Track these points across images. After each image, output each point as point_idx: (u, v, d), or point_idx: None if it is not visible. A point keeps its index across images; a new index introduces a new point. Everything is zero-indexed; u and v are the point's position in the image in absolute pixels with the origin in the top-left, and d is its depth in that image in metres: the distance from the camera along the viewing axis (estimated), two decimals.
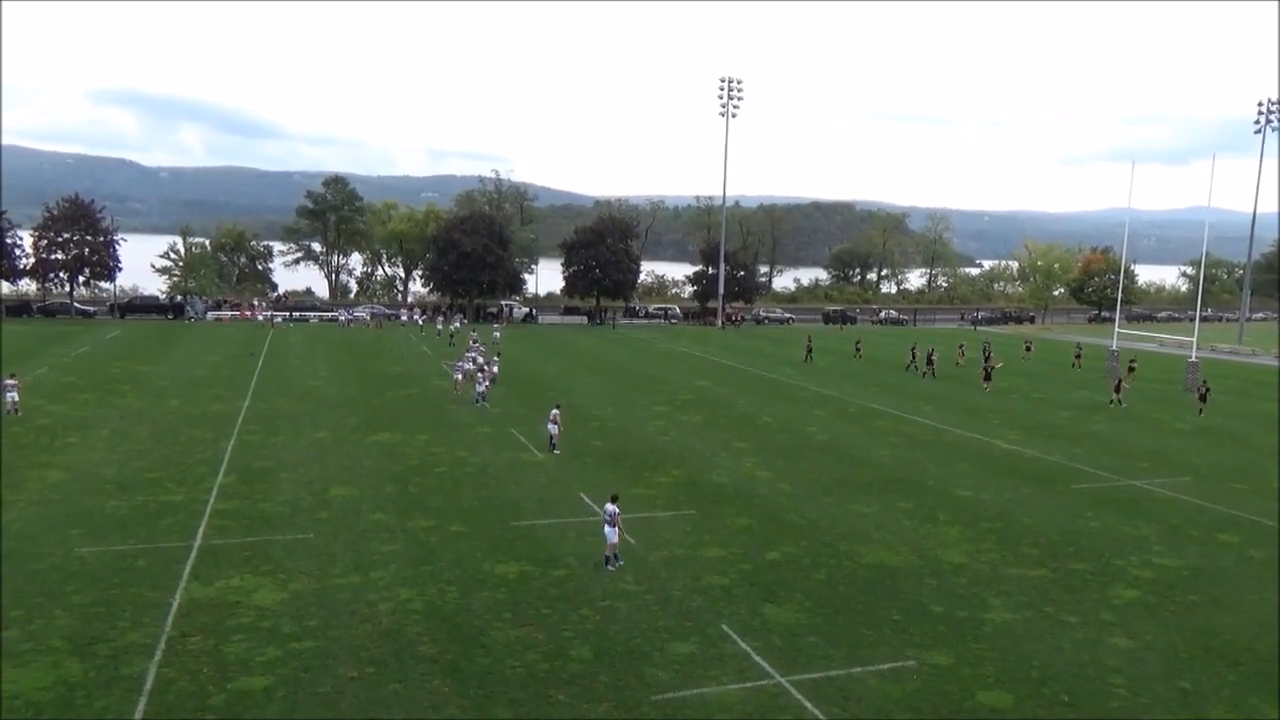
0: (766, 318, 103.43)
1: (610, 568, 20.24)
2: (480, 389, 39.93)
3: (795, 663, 16.13)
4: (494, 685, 15.02)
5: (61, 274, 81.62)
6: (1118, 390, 47.76)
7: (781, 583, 19.97)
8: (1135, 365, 55.18)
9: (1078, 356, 66.74)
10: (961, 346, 66.80)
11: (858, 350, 66.09)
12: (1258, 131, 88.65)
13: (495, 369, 41.05)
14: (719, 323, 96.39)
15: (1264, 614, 19.20)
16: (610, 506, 20.49)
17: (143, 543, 21.27)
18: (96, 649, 15.82)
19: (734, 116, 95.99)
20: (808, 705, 14.69)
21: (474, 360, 46.39)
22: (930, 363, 56.37)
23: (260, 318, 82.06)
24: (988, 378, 50.15)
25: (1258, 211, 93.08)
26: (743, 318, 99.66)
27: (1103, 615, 18.75)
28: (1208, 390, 46.91)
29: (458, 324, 76.34)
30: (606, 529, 20.35)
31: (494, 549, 21.53)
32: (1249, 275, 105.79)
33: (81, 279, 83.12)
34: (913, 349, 61.80)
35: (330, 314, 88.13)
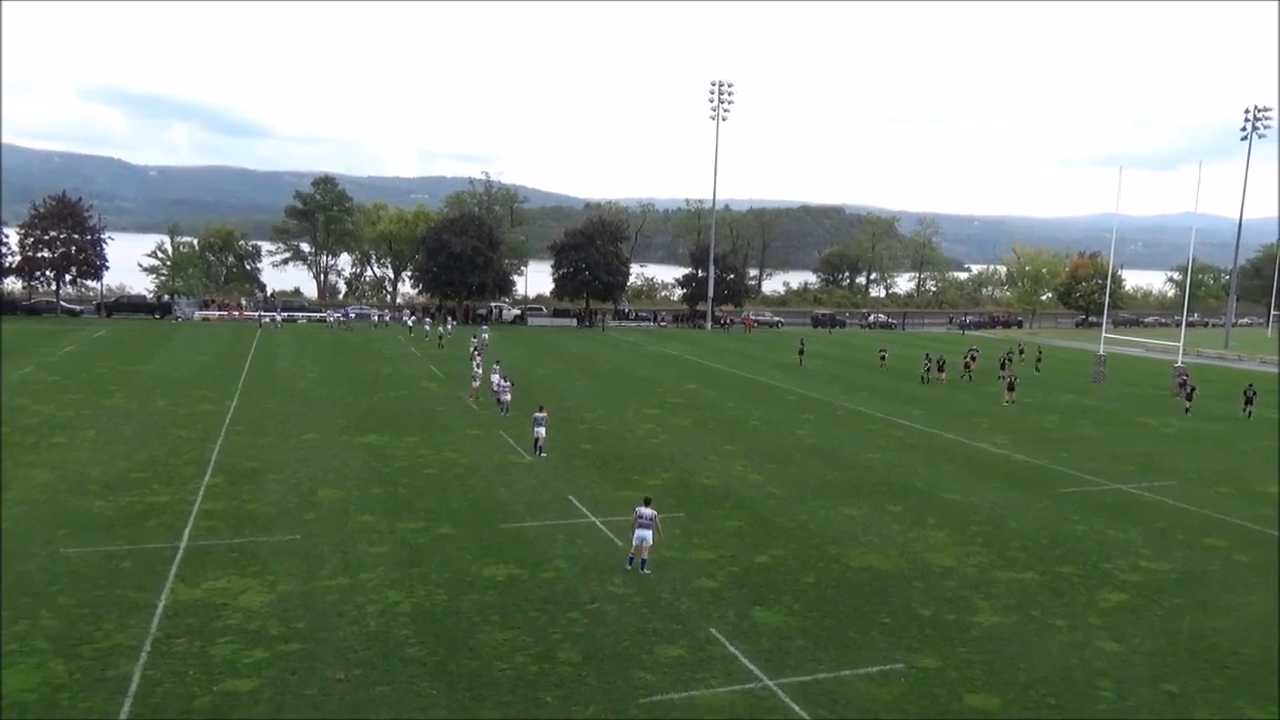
0: (756, 320, 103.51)
1: (647, 570, 20.19)
2: (506, 398, 38.72)
3: (784, 665, 16.14)
4: (482, 688, 14.98)
5: (48, 272, 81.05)
6: (1189, 399, 48.29)
7: (770, 585, 19.98)
8: (1186, 378, 53.19)
9: (1039, 359, 66.90)
10: (973, 353, 64.44)
11: (882, 359, 63.78)
12: (1244, 138, 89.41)
13: (507, 382, 39.91)
14: (708, 325, 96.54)
15: (1250, 617, 19.32)
16: (646, 510, 20.32)
17: (129, 544, 21.13)
18: (82, 650, 15.71)
19: (724, 120, 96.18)
20: (795, 708, 14.69)
21: (478, 364, 45.69)
22: (941, 369, 56.05)
23: (265, 319, 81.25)
24: (1011, 388, 48.77)
25: (1244, 217, 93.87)
26: (732, 320, 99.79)
27: (1090, 619, 18.83)
28: (1255, 393, 48.03)
29: (449, 326, 76.12)
30: (639, 531, 20.18)
31: (483, 551, 21.48)
32: (1235, 281, 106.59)
33: (68, 278, 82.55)
34: (969, 355, 60.80)
35: (319, 314, 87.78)
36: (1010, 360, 63.80)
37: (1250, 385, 49.73)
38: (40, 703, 14.01)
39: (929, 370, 55.94)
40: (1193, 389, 49.16)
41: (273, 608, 17.76)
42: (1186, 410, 47.39)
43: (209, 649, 15.93)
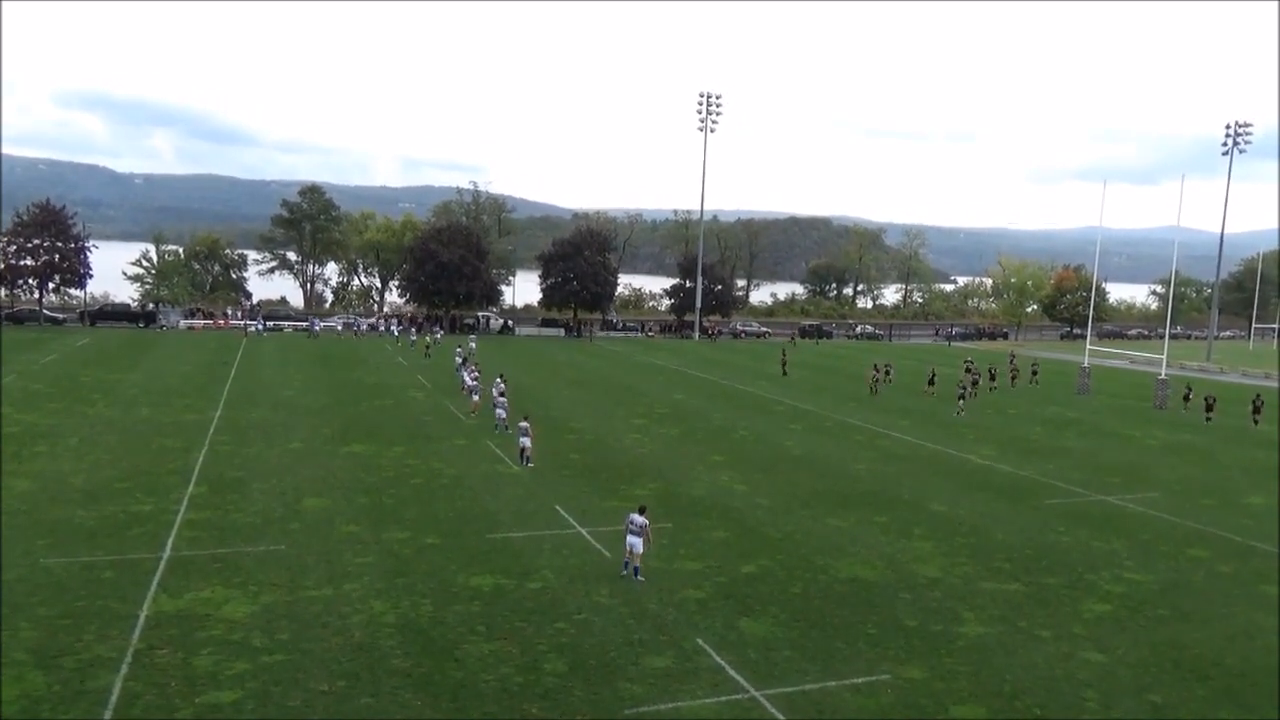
0: (743, 331, 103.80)
1: (640, 578, 20.32)
2: (503, 414, 37.56)
3: (770, 676, 16.11)
4: (467, 699, 14.89)
5: (30, 280, 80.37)
6: (1210, 410, 49.23)
7: (757, 596, 19.96)
8: (1190, 392, 54.32)
9: (1034, 371, 66.43)
10: (970, 364, 64.16)
11: (888, 374, 59.53)
12: (1225, 153, 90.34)
13: (504, 398, 39.12)
14: (695, 335, 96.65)
15: (1232, 628, 19.43)
16: (638, 517, 20.45)
17: (111, 554, 20.94)
18: (62, 662, 15.54)
19: (713, 131, 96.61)
20: (782, 719, 14.67)
21: (474, 377, 44.35)
22: (931, 382, 56.10)
23: (252, 328, 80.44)
24: (961, 398, 49.55)
25: (1226, 231, 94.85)
26: (719, 330, 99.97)
27: (1075, 629, 18.90)
28: (1263, 403, 49.66)
29: (435, 335, 75.94)
30: (630, 538, 20.36)
31: (469, 561, 21.39)
32: (1217, 294, 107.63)
33: (51, 286, 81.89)
34: (974, 370, 60.83)
35: (303, 323, 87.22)
36: (1016, 373, 64.59)
37: (1258, 395, 50.97)
38: (19, 715, 13.85)
39: (877, 380, 55.64)
40: (1212, 400, 49.88)
41: (256, 619, 17.62)
42: (1207, 419, 48.44)
43: (191, 660, 15.78)
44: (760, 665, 16.54)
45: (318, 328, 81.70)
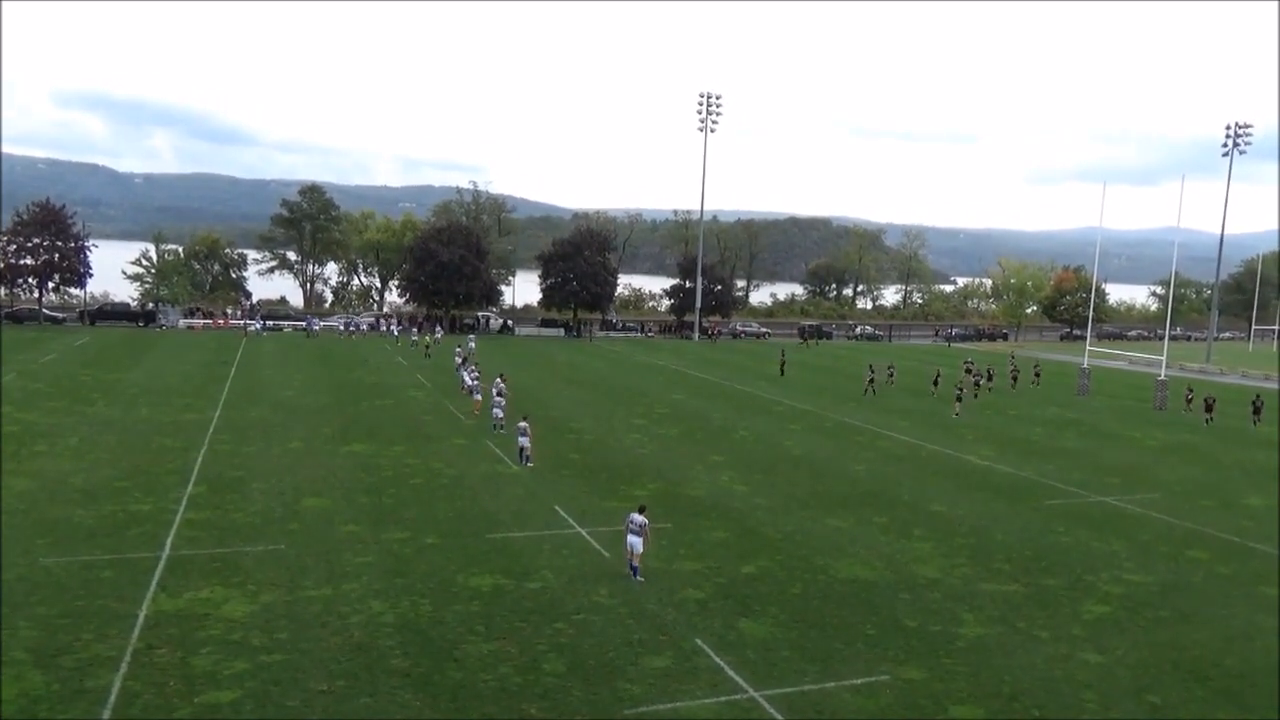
0: (743, 332, 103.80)
1: (640, 578, 20.37)
2: (499, 414, 37.36)
3: (769, 677, 16.11)
4: (466, 699, 14.89)
5: (30, 280, 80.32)
6: (1209, 410, 49.50)
7: (756, 596, 19.97)
8: (1191, 393, 54.57)
9: (1036, 372, 66.65)
10: (970, 365, 64.65)
11: (890, 376, 59.73)
12: (1225, 154, 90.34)
13: (501, 398, 38.73)
14: (695, 335, 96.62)
15: (1232, 629, 19.44)
16: (639, 517, 20.49)
17: (110, 553, 20.94)
18: (61, 661, 15.53)
19: (713, 131, 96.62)
20: (781, 719, 14.69)
21: (474, 377, 44.22)
22: (935, 383, 56.19)
23: (251, 328, 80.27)
24: (959, 399, 49.70)
25: (1226, 232, 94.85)
26: (719, 331, 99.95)
27: (1074, 630, 18.90)
28: (1263, 404, 50.22)
29: (435, 335, 75.92)
30: (630, 538, 20.41)
31: (468, 561, 21.38)
32: (1217, 295, 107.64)
33: (51, 285, 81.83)
34: (976, 370, 61.44)
35: (302, 323, 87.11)
36: (1016, 373, 64.98)
37: (1258, 396, 51.26)
38: (18, 715, 13.85)
39: (873, 382, 55.54)
40: (1212, 400, 50.13)
41: (255, 618, 17.62)
42: (1207, 422, 48.77)
43: (190, 660, 15.78)
44: (760, 666, 16.54)
45: (316, 327, 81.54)
